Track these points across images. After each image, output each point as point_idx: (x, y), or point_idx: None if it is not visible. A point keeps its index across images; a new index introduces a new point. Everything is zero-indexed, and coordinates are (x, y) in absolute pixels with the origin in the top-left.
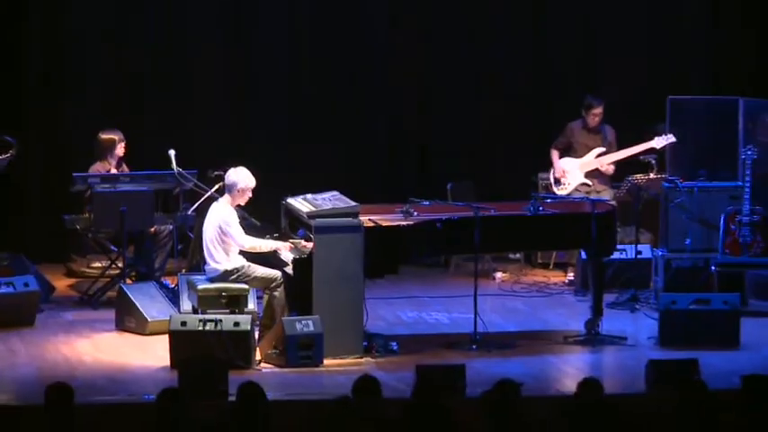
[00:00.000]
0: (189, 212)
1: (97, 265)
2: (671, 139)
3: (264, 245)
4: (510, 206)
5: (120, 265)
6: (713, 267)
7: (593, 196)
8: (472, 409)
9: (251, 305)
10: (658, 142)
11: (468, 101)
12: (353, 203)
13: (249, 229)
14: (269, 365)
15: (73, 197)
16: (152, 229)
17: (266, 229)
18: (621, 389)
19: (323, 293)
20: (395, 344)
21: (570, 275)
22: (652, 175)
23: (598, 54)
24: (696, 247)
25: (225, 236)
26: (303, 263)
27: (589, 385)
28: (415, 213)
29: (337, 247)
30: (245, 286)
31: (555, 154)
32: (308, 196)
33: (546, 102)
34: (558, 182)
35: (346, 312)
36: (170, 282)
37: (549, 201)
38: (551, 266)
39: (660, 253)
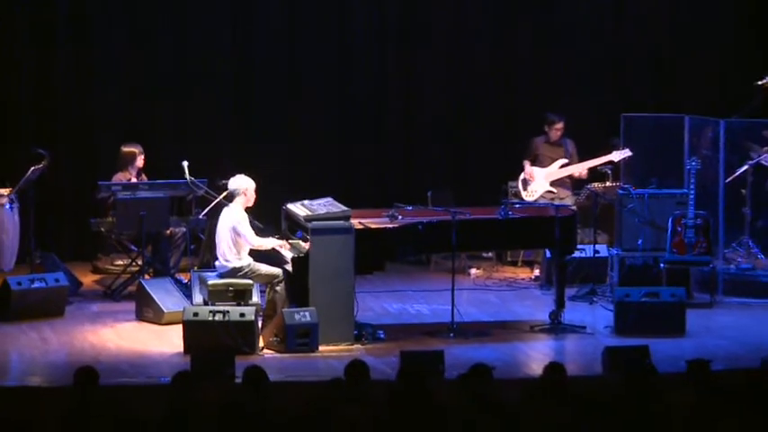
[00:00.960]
0: (200, 216)
1: (119, 262)
2: (627, 153)
3: (267, 243)
4: (483, 211)
5: (139, 262)
6: (662, 265)
7: (556, 202)
8: (450, 390)
9: (255, 298)
10: (616, 156)
11: (447, 119)
12: (345, 208)
13: (254, 230)
14: (271, 351)
15: (98, 203)
16: (168, 231)
17: (269, 230)
18: (581, 372)
19: (318, 288)
20: (382, 332)
21: (536, 272)
22: (608, 184)
23: (558, 74)
24: (647, 246)
25: (238, 236)
26: (301, 261)
27: (553, 368)
28: (400, 217)
29: (331, 246)
30: (250, 282)
31: (527, 164)
32: (305, 202)
33: (513, 119)
34: (525, 187)
35: (339, 304)
36: (184, 277)
37: (517, 206)
38: (519, 264)
39: (615, 252)
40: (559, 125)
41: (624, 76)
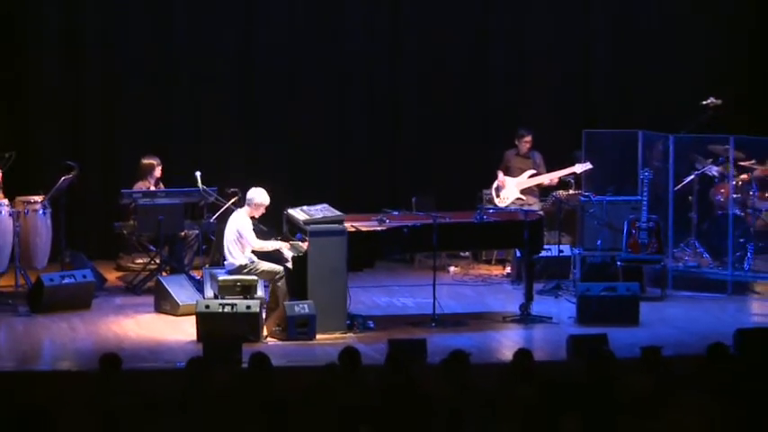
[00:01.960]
0: (211, 220)
1: (140, 261)
2: (588, 166)
3: (270, 245)
4: (461, 215)
5: (157, 261)
6: (619, 263)
7: (525, 208)
8: (432, 374)
9: (260, 292)
10: (579, 168)
11: (430, 134)
12: (339, 213)
13: (259, 233)
14: (274, 339)
15: (121, 209)
16: (182, 234)
17: (272, 233)
18: (548, 357)
19: (316, 283)
20: (372, 322)
21: (508, 269)
22: (571, 192)
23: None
24: (605, 247)
25: (242, 238)
26: (300, 259)
27: (522, 354)
28: (387, 221)
29: (327, 247)
30: (255, 278)
31: (500, 174)
32: (304, 208)
33: (487, 134)
34: (498, 194)
35: (334, 298)
36: (196, 274)
37: (491, 211)
38: (493, 262)
39: (577, 251)
40: (528, 138)
41: (587, 95)
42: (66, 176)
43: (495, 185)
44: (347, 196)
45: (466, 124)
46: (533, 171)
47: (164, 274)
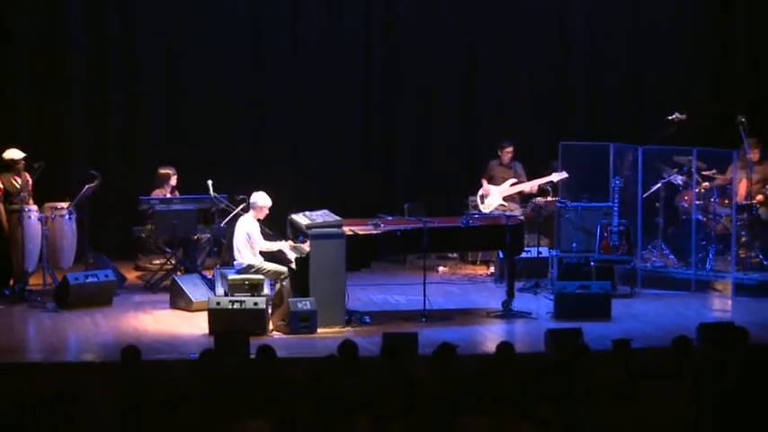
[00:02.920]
0: (221, 225)
1: (156, 262)
2: (564, 175)
3: (275, 246)
4: (449, 220)
5: (173, 262)
6: (592, 263)
7: (507, 213)
8: (423, 364)
9: (266, 290)
10: (555, 177)
11: (420, 146)
12: (339, 218)
13: (265, 236)
14: (278, 333)
15: (140, 214)
16: (195, 237)
17: (276, 236)
18: (528, 349)
19: (317, 282)
20: (368, 317)
21: (491, 269)
22: (549, 198)
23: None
24: (580, 248)
25: (250, 239)
26: (303, 260)
27: (504, 347)
28: (382, 225)
29: (327, 249)
30: (262, 277)
31: (484, 182)
32: (306, 213)
33: (473, 146)
34: (482, 201)
35: (333, 295)
36: (208, 274)
37: (476, 216)
38: (478, 263)
39: (555, 253)
40: (509, 149)
41: (563, 111)
42: (90, 185)
43: (479, 193)
44: (346, 203)
45: (454, 137)
46: (515, 180)
47: (179, 273)
